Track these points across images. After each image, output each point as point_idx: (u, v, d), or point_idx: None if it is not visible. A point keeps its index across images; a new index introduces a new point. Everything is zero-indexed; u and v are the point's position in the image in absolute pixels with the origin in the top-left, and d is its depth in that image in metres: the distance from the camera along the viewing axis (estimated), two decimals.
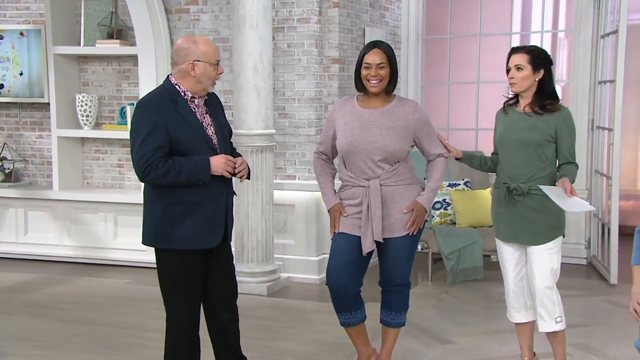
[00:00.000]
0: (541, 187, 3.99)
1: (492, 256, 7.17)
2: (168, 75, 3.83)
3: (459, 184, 7.12)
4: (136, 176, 3.78)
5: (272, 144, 6.31)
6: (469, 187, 7.15)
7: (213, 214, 3.80)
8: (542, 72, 4.07)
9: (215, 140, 3.83)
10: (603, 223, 7.10)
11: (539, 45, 4.53)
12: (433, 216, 6.93)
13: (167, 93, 3.75)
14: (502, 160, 4.22)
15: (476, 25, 7.90)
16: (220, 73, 3.85)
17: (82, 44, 7.49)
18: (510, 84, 4.12)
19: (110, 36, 7.39)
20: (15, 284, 6.74)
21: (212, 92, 3.94)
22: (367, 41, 6.39)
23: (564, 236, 4.22)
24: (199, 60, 3.72)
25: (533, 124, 4.07)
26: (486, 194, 7.02)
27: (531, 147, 4.08)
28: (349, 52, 6.92)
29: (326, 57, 6.78)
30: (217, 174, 3.74)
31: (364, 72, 4.14)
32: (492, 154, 4.40)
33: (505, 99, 4.29)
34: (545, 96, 4.10)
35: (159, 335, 4.92)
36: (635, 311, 3.10)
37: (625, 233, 7.70)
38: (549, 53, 4.25)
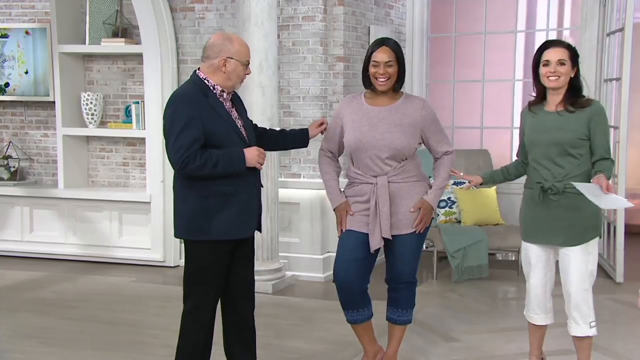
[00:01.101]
0: (575, 184, 3.90)
1: (496, 254, 7.19)
2: (195, 71, 3.88)
3: (464, 183, 7.11)
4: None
5: None
6: (474, 186, 7.13)
7: (247, 204, 3.88)
8: (575, 69, 4.01)
9: (244, 133, 3.90)
10: (609, 222, 7.05)
11: None
12: (438, 214, 6.96)
13: (197, 87, 3.80)
14: (533, 161, 4.09)
15: (481, 23, 7.91)
16: (248, 74, 3.93)
17: (87, 42, 7.49)
18: (552, 78, 3.98)
19: (115, 35, 7.42)
20: (21, 282, 6.77)
21: (235, 92, 4.00)
22: (372, 39, 6.41)
23: (600, 237, 4.10)
24: (232, 58, 3.79)
25: (564, 123, 3.97)
26: (491, 192, 7.07)
27: (564, 147, 3.96)
28: (354, 50, 6.94)
29: (331, 55, 6.79)
30: (251, 166, 3.81)
31: (372, 70, 4.13)
32: (517, 155, 4.32)
33: (531, 99, 4.19)
34: (576, 94, 4.01)
35: (164, 333, 4.99)
36: None
37: (631, 232, 7.73)
38: None
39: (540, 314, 4.23)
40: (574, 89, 4.00)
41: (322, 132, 4.36)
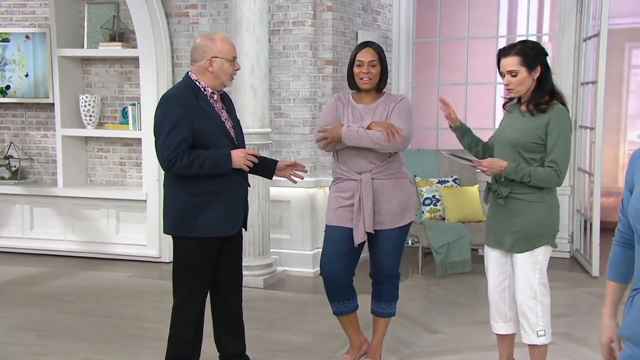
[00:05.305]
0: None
1: (479, 250, 7.31)
2: (187, 72, 3.93)
3: (448, 181, 7.22)
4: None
5: (268, 142, 6.37)
6: (457, 184, 7.25)
7: (233, 203, 3.93)
8: (539, 69, 3.72)
9: (233, 134, 3.96)
10: (585, 219, 7.21)
11: (527, 39, 4.04)
12: (423, 212, 7.03)
13: (188, 88, 3.85)
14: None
15: (464, 28, 7.97)
16: (237, 69, 3.94)
17: (85, 46, 7.57)
18: (507, 90, 3.79)
19: (112, 39, 7.48)
20: (21, 277, 6.83)
21: (225, 92, 4.05)
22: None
23: (554, 246, 3.88)
24: (216, 57, 3.82)
25: (523, 125, 3.76)
26: (474, 190, 7.15)
27: (517, 149, 3.77)
28: (342, 54, 7.01)
29: (320, 58, 6.87)
30: (237, 167, 3.85)
31: (356, 69, 4.25)
32: (487, 141, 4.11)
33: (504, 101, 4.00)
34: (542, 94, 3.74)
35: (158, 326, 5.03)
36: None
37: (607, 228, 7.84)
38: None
39: (500, 322, 4.06)
40: (541, 89, 3.75)
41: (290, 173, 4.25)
